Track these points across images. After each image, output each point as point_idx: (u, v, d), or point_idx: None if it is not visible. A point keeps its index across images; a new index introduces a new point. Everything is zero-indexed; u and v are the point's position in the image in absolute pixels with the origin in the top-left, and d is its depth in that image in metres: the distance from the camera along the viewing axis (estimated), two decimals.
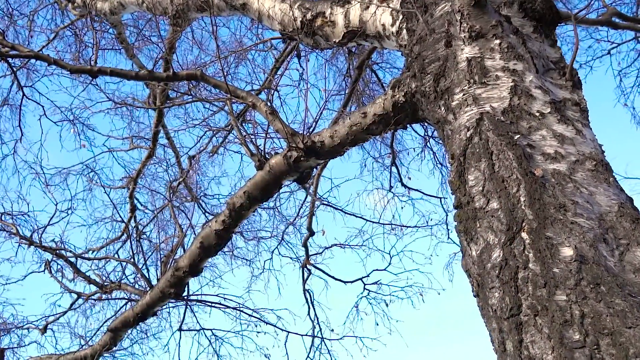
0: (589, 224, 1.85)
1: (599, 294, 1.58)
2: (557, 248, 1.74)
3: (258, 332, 5.96)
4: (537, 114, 2.32)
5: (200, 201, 7.05)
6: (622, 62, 7.24)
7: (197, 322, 5.57)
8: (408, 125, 3.60)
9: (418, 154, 7.09)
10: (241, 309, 5.26)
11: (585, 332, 1.51)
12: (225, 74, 3.79)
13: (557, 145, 2.20)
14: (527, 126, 2.27)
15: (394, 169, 7.33)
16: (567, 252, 1.72)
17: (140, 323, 4.67)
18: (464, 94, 2.49)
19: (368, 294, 7.03)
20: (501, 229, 1.90)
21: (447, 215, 7.26)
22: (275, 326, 5.74)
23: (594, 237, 1.80)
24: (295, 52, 6.27)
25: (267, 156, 3.81)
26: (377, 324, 7.06)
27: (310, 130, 3.77)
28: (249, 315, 5.45)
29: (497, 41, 2.62)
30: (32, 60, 5.75)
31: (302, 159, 3.63)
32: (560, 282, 1.64)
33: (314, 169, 4.53)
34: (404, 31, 3.52)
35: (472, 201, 2.10)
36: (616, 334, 1.47)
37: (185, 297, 4.61)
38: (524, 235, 1.82)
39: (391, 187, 7.41)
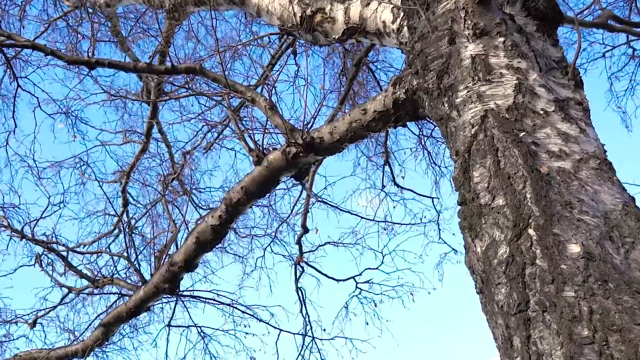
0: (595, 221, 1.86)
1: (607, 291, 1.58)
2: (564, 245, 1.74)
3: (247, 333, 5.95)
4: (542, 112, 2.33)
5: (193, 196, 7.01)
6: (613, 66, 7.32)
7: (190, 318, 5.54)
8: (407, 123, 3.61)
9: (412, 153, 7.09)
10: (234, 305, 5.24)
11: (594, 328, 1.51)
12: (224, 68, 3.77)
13: (561, 143, 2.20)
14: (531, 124, 2.27)
15: (387, 168, 7.34)
16: (574, 249, 1.72)
17: (133, 318, 4.63)
18: (468, 91, 2.49)
19: (360, 293, 7.04)
20: (507, 225, 1.90)
21: (439, 215, 7.29)
22: (268, 323, 5.73)
23: (600, 235, 1.80)
24: (292, 50, 6.26)
25: (265, 152, 3.79)
26: (367, 324, 7.08)
27: (308, 126, 3.76)
28: (242, 311, 5.43)
29: (501, 39, 2.63)
30: (25, 51, 5.69)
31: (300, 155, 3.62)
32: (568, 278, 1.64)
33: (312, 166, 4.52)
34: (405, 28, 3.52)
35: (477, 197, 2.10)
36: (625, 330, 1.47)
37: (179, 293, 4.58)
38: (530, 231, 1.82)
39: (384, 186, 7.42)
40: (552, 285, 1.65)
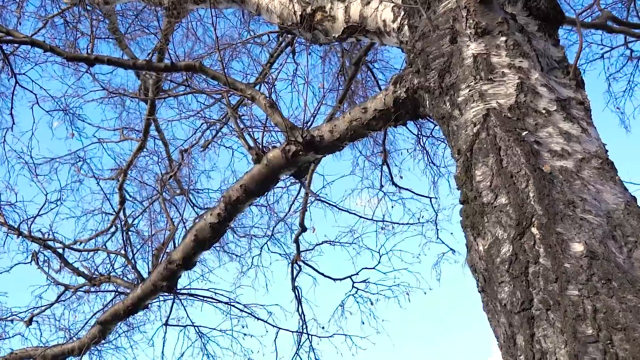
0: (598, 220, 1.86)
1: (611, 290, 1.58)
2: (568, 243, 1.74)
3: (245, 334, 5.94)
4: (544, 112, 2.33)
5: (190, 195, 6.99)
6: (610, 67, 7.34)
7: (188, 316, 5.53)
8: (406, 122, 3.61)
9: (411, 153, 7.10)
10: (232, 303, 5.23)
11: (598, 326, 1.51)
12: (224, 65, 3.76)
13: (563, 142, 2.20)
14: (533, 123, 2.28)
15: (385, 167, 7.34)
16: (578, 247, 1.73)
17: (130, 316, 4.62)
18: (470, 90, 2.49)
19: (356, 292, 7.04)
20: (510, 224, 1.90)
21: (436, 215, 7.29)
22: (266, 322, 5.71)
23: (603, 234, 1.81)
24: (290, 49, 6.25)
25: (264, 150, 3.78)
26: (363, 323, 7.07)
27: (308, 124, 3.75)
28: (240, 310, 5.42)
29: (503, 38, 2.63)
30: (23, 47, 5.65)
31: (300, 153, 3.61)
32: (572, 277, 1.64)
33: (311, 164, 4.51)
34: (406, 27, 3.51)
35: (479, 196, 2.10)
36: (629, 329, 1.47)
37: (177, 291, 4.56)
38: (534, 230, 1.82)
39: (382, 185, 7.42)
40: (555, 284, 1.65)
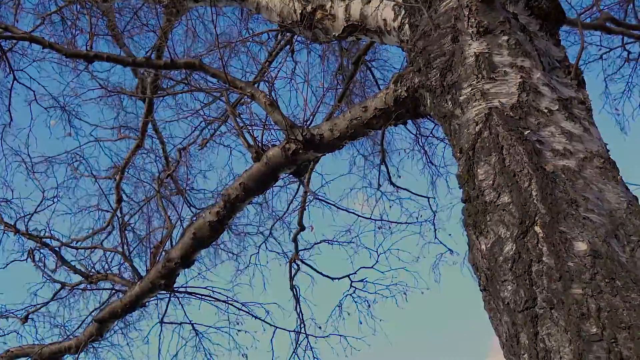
0: (601, 219, 1.86)
1: (615, 289, 1.58)
2: (571, 242, 1.74)
3: (239, 331, 5.93)
4: (546, 111, 2.33)
5: (187, 195, 6.97)
6: (608, 69, 7.37)
7: (185, 315, 5.51)
8: (407, 121, 3.61)
9: (409, 153, 7.09)
10: (230, 302, 5.22)
11: (602, 325, 1.51)
12: (223, 63, 3.75)
13: (565, 142, 2.21)
14: (535, 122, 2.28)
15: (382, 167, 7.33)
16: (581, 246, 1.73)
17: (128, 314, 4.60)
18: (472, 89, 2.49)
19: (354, 292, 7.03)
20: (513, 223, 1.90)
21: (434, 215, 7.28)
22: (263, 320, 5.71)
23: (605, 233, 1.81)
24: (289, 47, 6.24)
25: (264, 148, 3.77)
26: (361, 323, 7.06)
27: (308, 123, 3.74)
28: (238, 309, 5.41)
29: (505, 37, 2.63)
30: (21, 44, 5.63)
31: (300, 151, 3.61)
32: (576, 275, 1.64)
33: (311, 163, 4.50)
34: (406, 26, 3.51)
35: (481, 195, 2.10)
36: (633, 328, 1.47)
37: (174, 289, 4.55)
38: (537, 229, 1.82)
39: (380, 185, 7.41)
40: (559, 283, 1.65)
